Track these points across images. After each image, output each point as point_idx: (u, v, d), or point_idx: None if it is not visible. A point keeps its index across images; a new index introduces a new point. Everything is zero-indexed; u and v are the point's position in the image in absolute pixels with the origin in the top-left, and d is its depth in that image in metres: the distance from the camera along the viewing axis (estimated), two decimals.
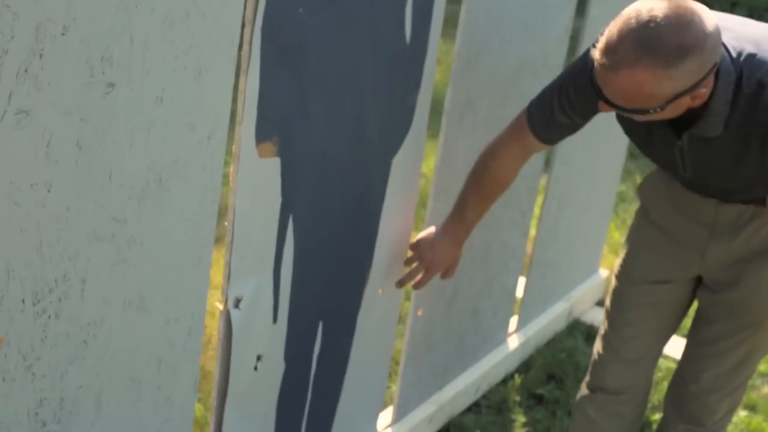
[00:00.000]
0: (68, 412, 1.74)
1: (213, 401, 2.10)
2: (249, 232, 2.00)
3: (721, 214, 2.18)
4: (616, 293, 2.37)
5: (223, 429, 2.11)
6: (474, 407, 3.01)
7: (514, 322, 3.26)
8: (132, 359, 1.83)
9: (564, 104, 2.14)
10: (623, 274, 2.36)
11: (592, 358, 2.44)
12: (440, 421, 2.87)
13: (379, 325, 2.53)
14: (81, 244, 1.64)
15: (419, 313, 2.64)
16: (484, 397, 3.05)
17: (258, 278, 2.06)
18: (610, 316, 2.38)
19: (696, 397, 2.33)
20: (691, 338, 2.33)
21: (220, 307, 2.03)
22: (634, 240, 2.37)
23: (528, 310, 3.26)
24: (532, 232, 3.41)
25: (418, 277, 2.40)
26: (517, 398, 3.07)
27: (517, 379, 3.14)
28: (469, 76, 2.47)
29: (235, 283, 2.01)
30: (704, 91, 1.87)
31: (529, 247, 3.29)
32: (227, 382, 2.07)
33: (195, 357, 1.97)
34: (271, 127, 1.95)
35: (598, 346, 2.42)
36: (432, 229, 2.40)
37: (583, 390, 2.47)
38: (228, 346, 2.05)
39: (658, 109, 1.86)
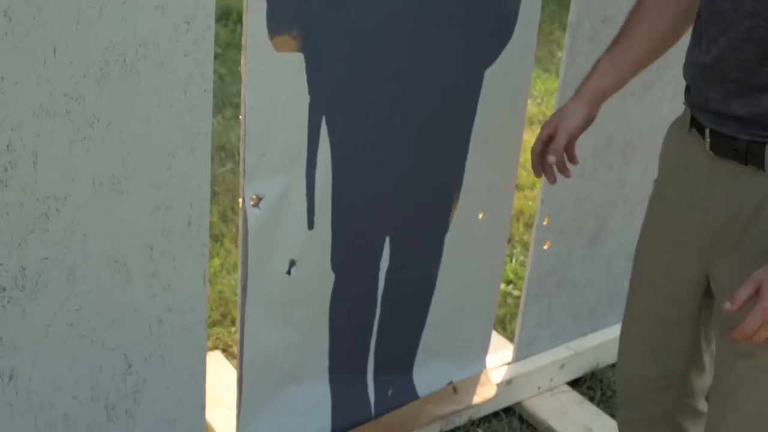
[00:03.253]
0: (33, 282, 1.78)
1: (238, 299, 2.07)
2: (268, 129, 1.92)
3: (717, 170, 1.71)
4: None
5: (246, 330, 2.07)
6: None
7: None
8: (111, 240, 1.83)
9: None
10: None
11: None
12: (577, 370, 2.63)
13: (479, 252, 2.34)
14: (25, 116, 1.65)
15: (545, 246, 2.41)
16: None
17: (285, 179, 1.98)
18: None
19: None
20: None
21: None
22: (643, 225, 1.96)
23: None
24: None
25: None
26: None
27: None
28: None
29: (253, 181, 1.95)
30: None
31: None
32: (247, 281, 2.02)
33: (200, 249, 1.93)
34: (288, 20, 1.85)
35: None
36: None
37: None
38: (247, 245, 2.00)
39: None
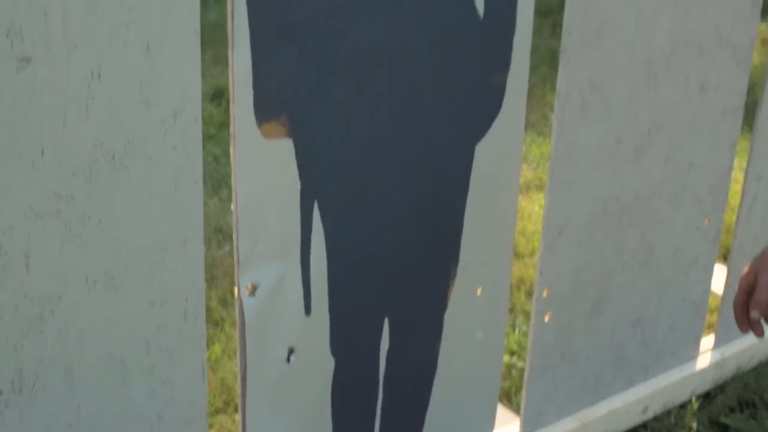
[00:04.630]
0: (30, 383, 1.76)
1: (238, 388, 2.04)
2: (260, 217, 1.91)
3: None
4: None
5: (247, 419, 2.04)
6: (640, 429, 2.68)
7: (709, 339, 2.88)
8: (107, 338, 1.81)
9: None
10: None
11: None
12: None
13: (479, 327, 2.32)
14: (15, 218, 1.64)
15: (546, 318, 2.39)
16: (656, 419, 2.71)
17: (280, 266, 1.96)
18: None
19: None
20: None
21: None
22: None
23: (728, 327, 2.85)
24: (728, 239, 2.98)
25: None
26: (694, 425, 2.70)
27: (695, 403, 2.76)
28: (587, 56, 2.19)
29: (248, 269, 1.93)
30: None
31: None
32: (246, 370, 2.00)
33: (197, 342, 1.92)
34: (275, 106, 1.85)
35: None
36: None
37: None
38: (244, 335, 1.98)
39: None
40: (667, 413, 2.75)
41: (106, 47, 1.64)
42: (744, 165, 2.78)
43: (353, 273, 2.06)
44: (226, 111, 4.84)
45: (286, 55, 1.81)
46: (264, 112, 1.83)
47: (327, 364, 2.11)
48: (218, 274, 3.52)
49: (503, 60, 2.09)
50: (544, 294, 2.38)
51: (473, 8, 1.99)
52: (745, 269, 1.77)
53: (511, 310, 3.29)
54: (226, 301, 3.37)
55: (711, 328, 3.02)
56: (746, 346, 2.94)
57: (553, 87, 5.40)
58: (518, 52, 2.11)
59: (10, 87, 1.57)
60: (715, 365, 2.86)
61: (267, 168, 1.88)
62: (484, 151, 2.15)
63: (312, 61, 1.84)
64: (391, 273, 2.12)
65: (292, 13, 1.79)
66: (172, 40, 1.69)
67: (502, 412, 2.64)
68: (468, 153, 2.13)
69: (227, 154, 4.44)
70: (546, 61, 5.57)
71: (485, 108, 2.11)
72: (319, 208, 1.96)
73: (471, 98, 2.07)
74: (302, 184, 1.93)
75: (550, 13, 6.34)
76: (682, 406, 2.78)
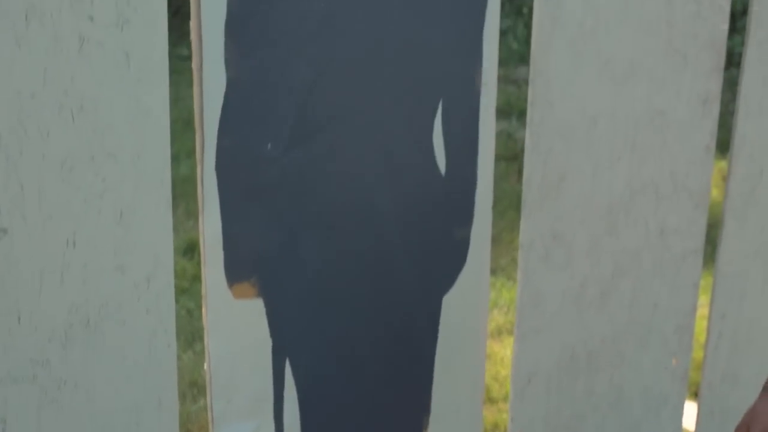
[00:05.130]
0: None
1: None
2: (233, 375, 1.94)
3: None
4: None
5: None
6: None
7: None
8: None
9: None
10: None
11: None
12: None
13: None
14: None
15: None
16: None
17: (253, 424, 1.99)
18: None
19: None
20: None
21: None
22: None
23: None
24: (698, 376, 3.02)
25: None
26: None
27: None
28: (548, 207, 2.27)
29: (221, 427, 1.95)
30: None
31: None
32: None
33: None
34: (246, 268, 1.90)
35: None
36: None
37: None
38: None
39: None
40: None
41: (80, 216, 1.69)
42: (708, 302, 2.84)
43: (326, 427, 2.09)
44: (199, 264, 4.89)
45: (255, 218, 1.88)
46: (234, 274, 1.89)
47: None
48: (193, 429, 3.51)
49: (466, 214, 2.16)
50: None
51: (435, 165, 2.07)
52: (738, 424, 1.82)
53: None
54: None
55: None
56: None
57: None
58: (480, 205, 2.18)
59: None
60: None
61: (238, 327, 1.93)
62: (451, 302, 2.20)
63: (280, 223, 1.91)
64: (363, 426, 2.15)
65: (260, 176, 1.86)
66: (144, 208, 1.75)
67: None
68: (436, 305, 2.18)
69: (201, 307, 4.48)
70: (513, 205, 5.67)
71: (450, 261, 2.17)
72: (291, 364, 2.00)
73: (436, 252, 2.13)
74: (273, 342, 1.97)
75: (516, 158, 6.48)
76: None
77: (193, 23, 1.73)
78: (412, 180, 2.05)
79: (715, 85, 2.44)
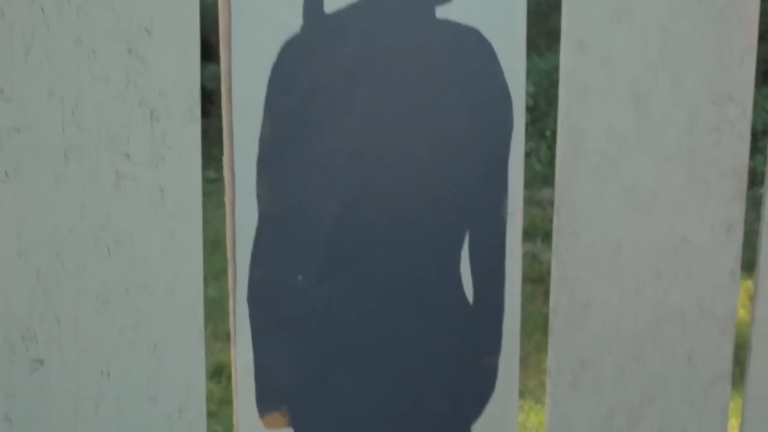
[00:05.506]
0: None
1: None
2: None
3: None
4: None
5: None
6: None
7: None
8: None
9: None
10: None
11: None
12: None
13: None
14: None
15: None
16: None
17: None
18: None
19: None
20: None
21: None
22: None
23: None
24: None
25: None
26: None
27: None
28: (575, 335, 2.28)
29: None
30: None
31: None
32: None
33: None
34: (277, 398, 1.92)
35: None
36: None
37: None
38: None
39: None
40: None
41: (115, 348, 1.73)
42: (738, 425, 2.83)
43: None
44: (227, 387, 4.92)
45: (286, 348, 1.91)
46: (266, 404, 1.91)
47: None
48: None
49: (495, 343, 2.18)
50: None
51: (463, 296, 2.10)
52: None
53: None
54: None
55: None
56: None
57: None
58: (508, 332, 2.20)
59: (24, 387, 1.65)
60: None
61: None
62: (479, 430, 2.20)
63: (310, 354, 1.93)
64: None
65: (291, 308, 1.90)
66: (177, 339, 1.78)
67: None
68: None
69: (228, 431, 4.47)
70: (540, 328, 5.68)
71: (479, 389, 2.18)
72: None
73: (465, 381, 2.15)
74: None
75: (542, 280, 6.51)
76: None
77: (225, 160, 1.78)
78: (441, 311, 2.08)
79: (738, 211, 2.47)
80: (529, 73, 7.00)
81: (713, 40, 2.37)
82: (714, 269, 2.53)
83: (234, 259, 1.83)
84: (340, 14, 1.87)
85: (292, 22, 1.83)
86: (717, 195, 2.46)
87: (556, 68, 2.18)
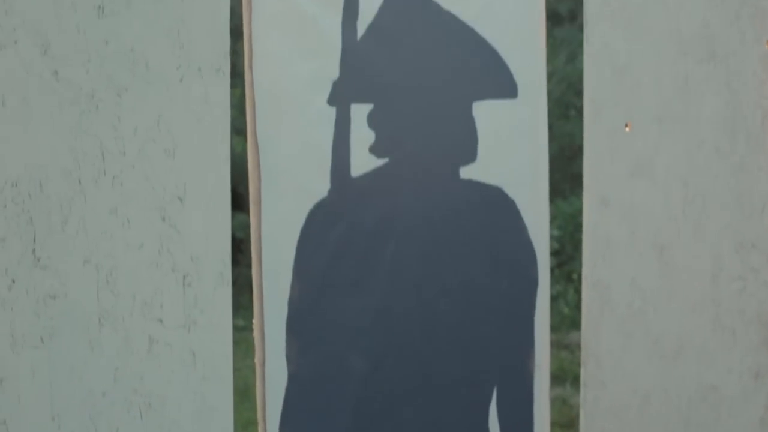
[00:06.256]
0: None
1: None
2: None
3: None
4: None
5: None
6: None
7: None
8: None
9: None
10: None
11: None
12: None
13: None
14: None
15: None
16: None
17: None
18: None
19: None
20: None
21: None
22: None
23: None
24: None
25: None
26: None
27: None
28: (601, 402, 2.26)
29: None
30: None
31: None
32: None
33: None
34: None
35: None
36: None
37: None
38: None
39: None
40: None
41: None
42: None
43: None
44: None
45: None
46: None
47: None
48: None
49: None
50: None
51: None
52: None
53: None
54: None
55: None
56: None
57: None
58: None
59: None
60: None
61: None
62: None
63: None
64: None
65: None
66: None
67: None
68: None
69: None
70: None
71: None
72: None
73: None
74: None
75: (572, 425, 6.42)
76: None
77: (256, 322, 1.82)
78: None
79: (765, 357, 2.47)
80: (553, 217, 7.04)
81: (734, 190, 2.40)
82: (743, 417, 2.51)
83: (264, 420, 1.85)
84: (366, 177, 1.93)
85: (320, 186, 1.88)
86: (744, 343, 2.46)
87: (581, 211, 2.21)
